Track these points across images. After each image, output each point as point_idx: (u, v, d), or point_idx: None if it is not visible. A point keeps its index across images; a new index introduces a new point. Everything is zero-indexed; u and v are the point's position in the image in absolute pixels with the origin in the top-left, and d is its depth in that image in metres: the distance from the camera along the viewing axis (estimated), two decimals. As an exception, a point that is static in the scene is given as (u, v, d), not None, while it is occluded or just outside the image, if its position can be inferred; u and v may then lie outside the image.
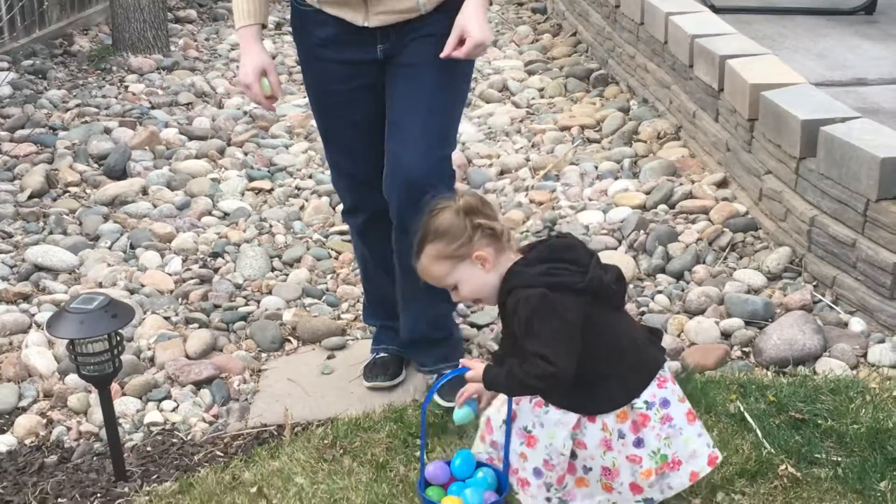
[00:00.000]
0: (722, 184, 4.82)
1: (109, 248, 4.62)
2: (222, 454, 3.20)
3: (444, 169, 3.11)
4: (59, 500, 3.01)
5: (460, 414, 2.66)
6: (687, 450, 2.57)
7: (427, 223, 2.57)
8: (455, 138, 3.23)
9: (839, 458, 2.99)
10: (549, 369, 2.40)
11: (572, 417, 2.54)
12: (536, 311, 2.43)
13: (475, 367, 2.60)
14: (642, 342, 2.62)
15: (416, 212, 2.74)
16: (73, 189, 5.23)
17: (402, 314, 3.42)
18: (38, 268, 4.40)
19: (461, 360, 2.68)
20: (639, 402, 2.54)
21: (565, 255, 2.53)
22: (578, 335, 2.46)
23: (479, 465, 2.74)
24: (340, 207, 3.70)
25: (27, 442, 3.30)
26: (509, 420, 2.64)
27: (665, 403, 2.56)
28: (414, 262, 2.59)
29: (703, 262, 4.23)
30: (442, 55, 2.90)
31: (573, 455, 2.59)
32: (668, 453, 2.55)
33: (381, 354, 3.54)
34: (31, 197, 5.12)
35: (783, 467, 2.94)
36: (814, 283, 3.96)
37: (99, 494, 3.03)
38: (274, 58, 6.54)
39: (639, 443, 2.55)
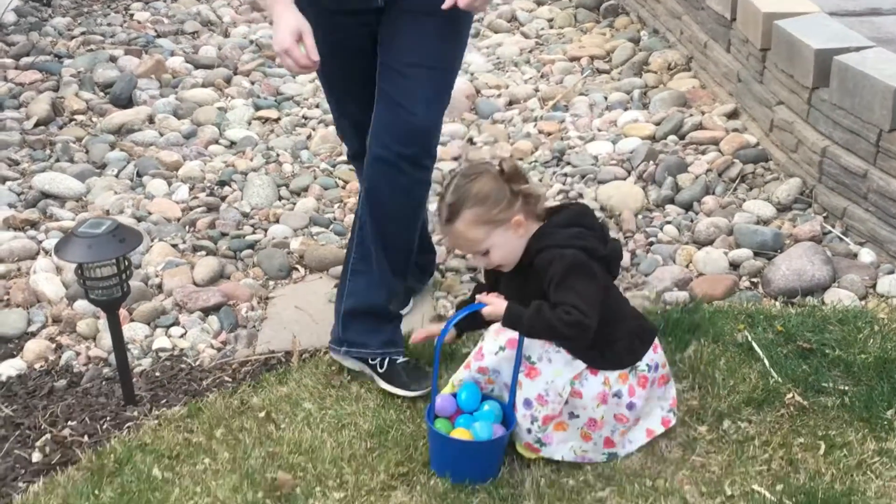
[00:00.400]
0: (732, 115, 4.77)
1: (116, 175, 4.60)
2: (230, 380, 3.21)
3: (441, 124, 3.08)
4: (69, 423, 3.03)
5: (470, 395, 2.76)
6: (647, 408, 2.77)
7: (464, 188, 2.57)
8: (451, 93, 3.16)
9: (846, 388, 2.99)
10: (583, 319, 2.51)
11: (579, 365, 2.66)
12: (573, 268, 2.55)
13: (494, 302, 2.62)
14: (637, 312, 2.86)
15: (411, 164, 2.80)
16: (79, 117, 5.20)
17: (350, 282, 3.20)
18: (46, 195, 4.39)
19: (478, 297, 2.68)
20: (641, 365, 2.72)
21: (586, 221, 2.67)
22: (600, 297, 2.60)
23: (485, 397, 2.76)
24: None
25: (36, 366, 3.32)
26: (519, 356, 2.65)
27: (656, 367, 2.76)
28: (441, 227, 2.55)
29: (713, 193, 4.20)
30: (444, 6, 2.82)
31: (566, 403, 2.69)
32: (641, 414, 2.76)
33: None
34: (37, 125, 5.09)
35: (790, 396, 2.95)
36: (824, 215, 3.94)
37: (108, 418, 3.05)
38: None
39: (630, 406, 2.73)
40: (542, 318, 2.54)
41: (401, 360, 3.08)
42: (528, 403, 2.68)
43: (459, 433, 2.67)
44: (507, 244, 2.60)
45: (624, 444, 2.78)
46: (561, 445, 2.71)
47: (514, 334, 2.66)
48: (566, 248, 2.58)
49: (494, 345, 2.71)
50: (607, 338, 2.67)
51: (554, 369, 2.66)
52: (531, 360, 2.67)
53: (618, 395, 2.70)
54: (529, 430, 2.69)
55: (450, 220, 2.59)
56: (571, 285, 2.55)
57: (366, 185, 3.04)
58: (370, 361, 3.08)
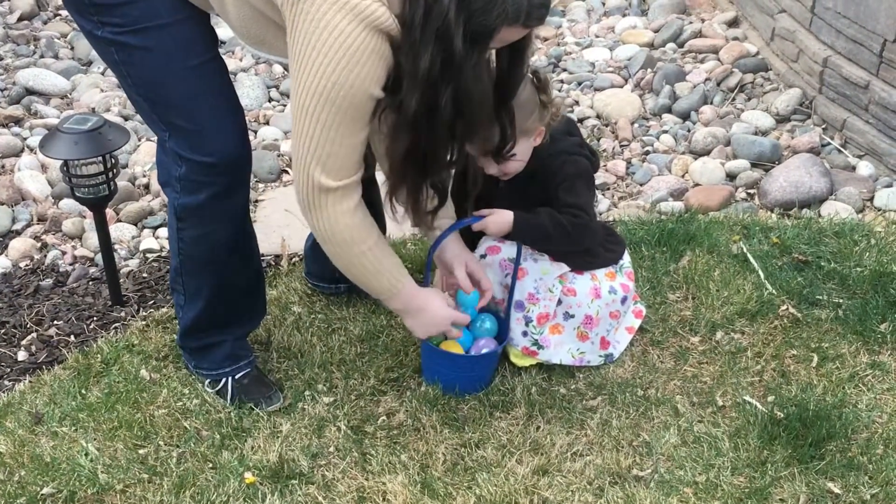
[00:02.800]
0: (733, 23, 4.68)
1: (102, 73, 4.50)
2: (219, 282, 3.16)
3: None
4: (56, 322, 2.99)
5: (470, 297, 2.65)
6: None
7: None
8: None
9: (841, 300, 2.97)
10: (590, 223, 2.60)
11: (564, 267, 2.68)
12: (581, 175, 2.61)
13: (498, 213, 2.58)
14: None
15: None
16: (63, 13, 5.07)
17: None
18: (30, 91, 4.30)
19: (475, 212, 2.61)
20: (625, 263, 2.78)
21: (577, 130, 2.71)
22: None
23: (483, 310, 2.72)
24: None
25: (22, 265, 3.27)
26: (516, 270, 2.64)
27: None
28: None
29: (711, 103, 4.14)
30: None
31: (558, 302, 2.67)
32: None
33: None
34: (20, 19, 4.97)
35: (784, 307, 2.93)
36: (823, 126, 3.88)
37: (95, 318, 3.01)
38: None
39: (624, 300, 2.75)
40: (555, 220, 2.55)
41: None
42: (520, 305, 2.67)
43: (448, 346, 2.65)
44: (525, 153, 2.57)
45: (614, 344, 2.79)
46: (558, 349, 2.70)
47: (493, 242, 2.67)
48: (575, 154, 2.61)
49: (475, 254, 2.70)
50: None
51: (541, 267, 2.67)
52: (518, 263, 2.66)
53: (612, 291, 2.71)
54: (525, 333, 2.67)
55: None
56: (578, 191, 2.58)
57: None
58: None
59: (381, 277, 2.42)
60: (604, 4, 5.12)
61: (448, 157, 2.32)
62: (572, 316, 2.70)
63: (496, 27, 2.06)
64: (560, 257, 2.68)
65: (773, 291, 3.00)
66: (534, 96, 2.50)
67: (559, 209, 2.56)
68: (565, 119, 2.72)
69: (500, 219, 2.57)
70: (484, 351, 2.64)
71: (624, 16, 4.98)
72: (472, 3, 2.01)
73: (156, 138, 3.80)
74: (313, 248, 2.98)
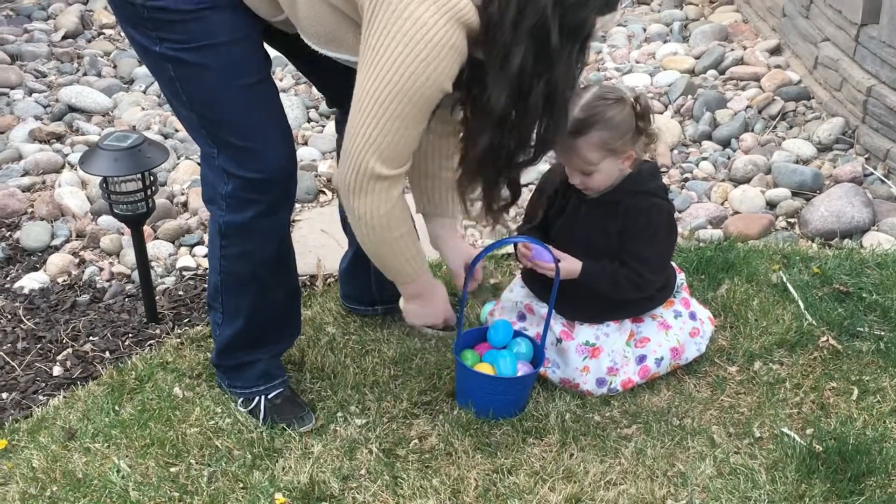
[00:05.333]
0: (775, 51, 4.65)
1: (144, 91, 4.54)
2: (254, 301, 3.16)
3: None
4: (91, 338, 3.00)
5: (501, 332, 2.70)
6: None
7: (599, 108, 2.50)
8: None
9: (882, 333, 2.92)
10: (653, 282, 2.68)
11: (627, 324, 2.72)
12: (665, 224, 2.66)
13: (570, 261, 2.62)
14: None
15: None
16: (107, 31, 5.14)
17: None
18: (72, 108, 4.34)
19: (552, 249, 2.62)
20: (678, 281, 2.82)
21: (660, 176, 2.76)
22: None
23: (517, 334, 2.71)
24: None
25: (59, 280, 3.29)
26: (553, 299, 2.62)
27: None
28: (560, 136, 2.36)
29: (752, 131, 4.10)
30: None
31: (642, 358, 2.71)
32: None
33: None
34: (65, 37, 5.03)
35: (824, 339, 2.88)
36: (866, 156, 3.84)
37: (130, 334, 3.02)
38: None
39: (693, 316, 2.79)
40: (616, 282, 2.63)
41: None
42: (601, 382, 2.70)
43: (483, 368, 2.63)
44: (610, 173, 2.58)
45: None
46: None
47: (564, 326, 2.73)
48: (660, 198, 2.65)
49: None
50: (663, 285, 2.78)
51: (611, 340, 2.70)
52: (590, 343, 2.69)
53: (678, 314, 2.77)
54: (603, 394, 2.72)
55: (572, 134, 2.50)
56: (659, 241, 2.65)
57: None
58: None
59: (407, 263, 2.43)
60: (645, 30, 5.11)
61: (528, 155, 2.29)
62: (661, 359, 2.72)
63: (589, 18, 2.06)
64: (618, 304, 2.71)
65: (813, 322, 2.95)
66: (630, 119, 2.52)
67: (632, 258, 2.61)
68: (654, 163, 2.75)
69: (571, 267, 2.62)
70: (520, 374, 2.62)
71: (665, 42, 4.96)
72: None
73: (196, 156, 3.88)
74: (348, 271, 2.97)
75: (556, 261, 2.56)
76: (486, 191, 2.34)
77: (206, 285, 3.23)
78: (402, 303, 2.62)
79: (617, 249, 2.64)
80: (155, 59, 2.32)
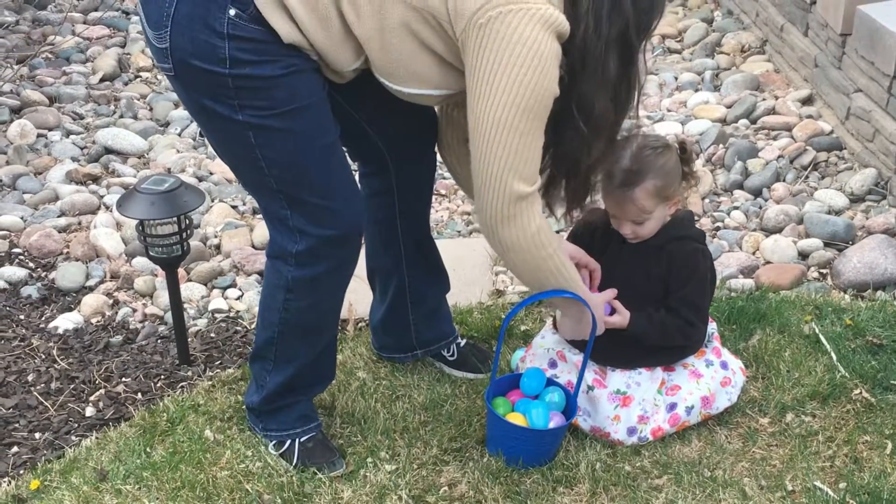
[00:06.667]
0: (807, 101, 4.65)
1: (179, 134, 4.59)
2: (285, 344, 3.18)
3: None
4: (124, 379, 3.02)
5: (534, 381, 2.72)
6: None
7: (650, 158, 2.54)
8: None
9: (916, 386, 2.90)
10: (699, 332, 2.72)
11: (658, 374, 2.72)
12: (710, 270, 2.71)
13: (622, 315, 2.64)
14: None
15: None
16: (144, 74, 5.21)
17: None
18: (108, 150, 4.40)
19: (609, 300, 2.66)
20: (710, 330, 2.83)
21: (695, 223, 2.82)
22: None
23: (550, 383, 2.71)
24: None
25: (93, 321, 3.32)
26: (590, 346, 2.63)
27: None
28: (611, 188, 2.55)
29: (783, 180, 4.09)
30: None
31: (673, 406, 2.70)
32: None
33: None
34: (102, 80, 5.11)
35: (857, 392, 2.86)
36: (899, 207, 3.83)
37: (163, 376, 3.04)
38: None
39: (724, 365, 2.79)
40: (666, 333, 2.66)
41: (462, 342, 3.03)
42: (631, 431, 2.69)
43: (514, 417, 2.62)
44: (659, 220, 2.62)
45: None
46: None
47: (597, 374, 2.73)
48: (702, 244, 2.68)
49: (541, 343, 2.82)
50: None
51: (643, 389, 2.70)
52: (621, 391, 2.70)
53: (709, 363, 2.77)
54: (634, 443, 2.71)
55: (627, 185, 2.54)
56: (703, 290, 2.68)
57: None
58: (443, 353, 3.01)
59: (564, 280, 2.45)
60: (676, 79, 5.13)
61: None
62: (692, 407, 2.71)
63: (655, 20, 2.23)
64: (651, 350, 2.72)
65: (846, 374, 2.93)
66: (678, 165, 2.57)
67: (681, 305, 2.64)
68: (689, 210, 2.79)
69: (621, 321, 2.64)
70: (552, 425, 2.61)
71: (696, 91, 4.97)
72: (641, 2, 2.17)
73: (230, 199, 3.92)
74: (384, 323, 2.98)
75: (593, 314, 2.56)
76: (576, 190, 2.48)
77: (237, 328, 3.26)
78: (558, 315, 2.73)
79: (658, 294, 2.65)
80: (234, 127, 2.25)
